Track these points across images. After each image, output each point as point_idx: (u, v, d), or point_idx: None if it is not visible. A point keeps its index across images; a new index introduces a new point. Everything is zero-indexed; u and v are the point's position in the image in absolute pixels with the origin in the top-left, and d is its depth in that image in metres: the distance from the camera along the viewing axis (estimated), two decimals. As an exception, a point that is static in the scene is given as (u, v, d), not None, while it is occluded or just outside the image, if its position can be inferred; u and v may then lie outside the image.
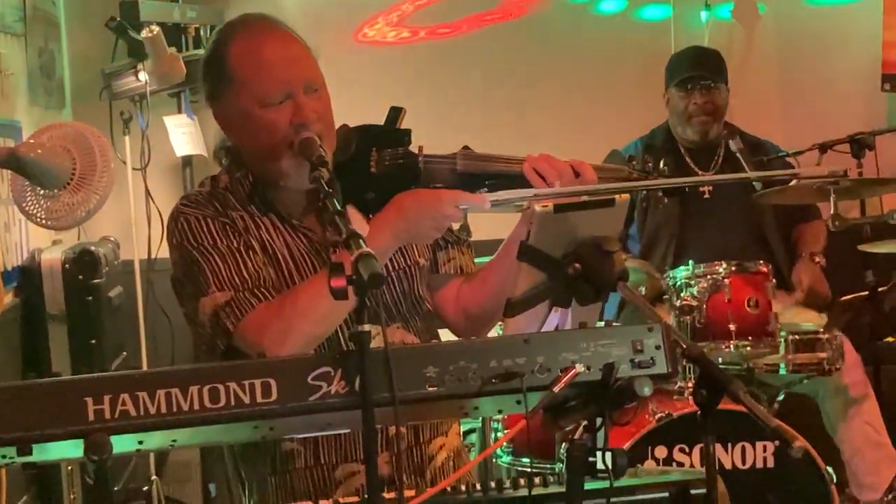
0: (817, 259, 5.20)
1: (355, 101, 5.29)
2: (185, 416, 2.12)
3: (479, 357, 2.19)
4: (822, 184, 4.57)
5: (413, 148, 2.87)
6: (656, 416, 4.30)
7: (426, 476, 2.83)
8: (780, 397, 4.76)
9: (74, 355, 4.57)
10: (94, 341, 4.61)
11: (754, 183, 5.09)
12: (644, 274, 4.95)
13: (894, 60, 5.87)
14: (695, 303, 4.51)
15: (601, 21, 6.22)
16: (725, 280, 4.55)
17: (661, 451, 4.30)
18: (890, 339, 5.37)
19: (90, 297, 4.61)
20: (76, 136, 2.35)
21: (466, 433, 4.99)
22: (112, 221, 5.43)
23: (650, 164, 2.85)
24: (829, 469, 4.28)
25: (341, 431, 2.64)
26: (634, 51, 6.16)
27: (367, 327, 2.09)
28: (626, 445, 4.14)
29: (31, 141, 2.37)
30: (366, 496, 2.17)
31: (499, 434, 4.73)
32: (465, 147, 2.91)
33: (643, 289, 4.80)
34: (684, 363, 2.63)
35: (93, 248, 4.67)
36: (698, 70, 5.28)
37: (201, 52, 5.54)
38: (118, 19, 5.24)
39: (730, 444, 4.35)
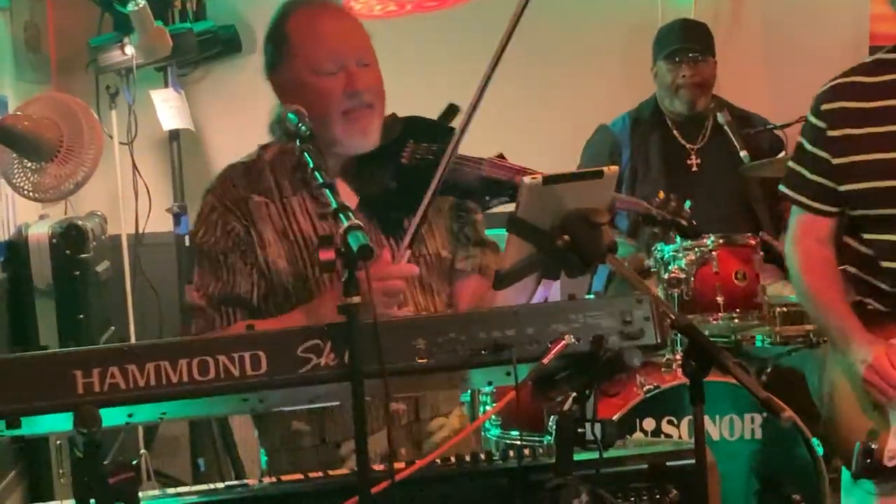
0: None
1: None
2: (174, 389, 2.12)
3: (468, 329, 2.20)
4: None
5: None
6: (644, 389, 4.30)
7: (423, 451, 2.84)
8: (769, 369, 4.77)
9: (62, 330, 4.56)
10: (81, 316, 4.60)
11: (741, 155, 5.10)
12: (633, 248, 4.96)
13: (882, 33, 5.86)
14: (682, 275, 4.51)
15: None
16: (713, 253, 4.55)
17: (649, 424, 4.31)
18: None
19: (77, 272, 4.60)
20: (64, 109, 2.34)
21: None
22: (99, 196, 5.42)
23: (674, 205, 2.91)
24: (816, 441, 4.29)
25: (331, 404, 2.64)
26: (621, 24, 6.14)
27: (356, 299, 2.09)
28: (615, 417, 4.14)
29: (19, 113, 2.36)
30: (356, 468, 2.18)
31: (488, 407, 4.73)
32: (500, 155, 2.93)
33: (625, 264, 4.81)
34: (673, 335, 2.63)
35: (80, 222, 4.65)
36: (686, 42, 5.27)
37: (187, 25, 5.53)
38: (104, -7, 5.23)
39: (718, 416, 4.36)
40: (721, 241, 4.58)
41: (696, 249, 4.55)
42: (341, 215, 2.15)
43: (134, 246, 5.50)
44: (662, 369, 4.43)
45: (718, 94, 5.48)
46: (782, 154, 4.96)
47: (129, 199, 5.45)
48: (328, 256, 2.09)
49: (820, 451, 4.26)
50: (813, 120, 3.31)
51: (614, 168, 2.52)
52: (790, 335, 4.65)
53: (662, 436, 4.28)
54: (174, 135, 5.60)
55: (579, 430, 2.26)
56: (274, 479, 2.41)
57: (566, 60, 6.20)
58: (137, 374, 2.10)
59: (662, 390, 4.30)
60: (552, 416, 4.22)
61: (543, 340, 2.21)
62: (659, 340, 2.26)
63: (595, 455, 2.29)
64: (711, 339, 4.38)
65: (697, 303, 4.51)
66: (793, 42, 6.10)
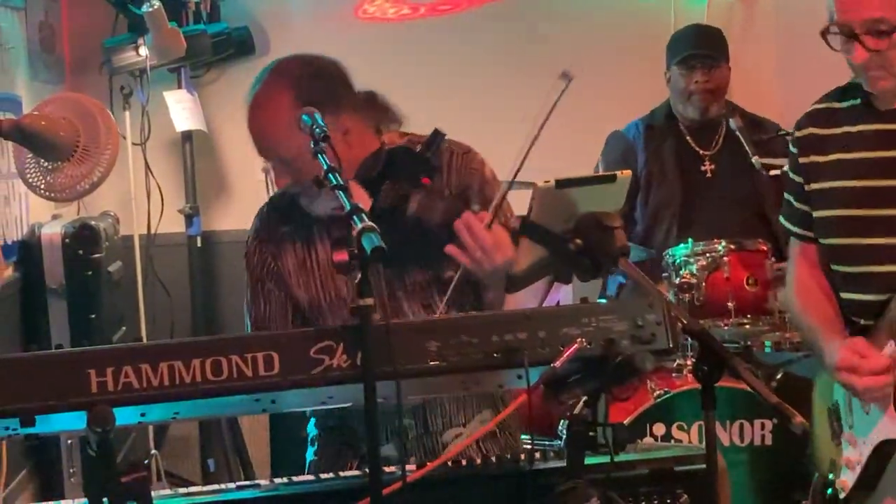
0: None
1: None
2: (187, 389, 2.13)
3: (480, 331, 2.20)
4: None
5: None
6: (655, 394, 4.31)
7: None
8: (778, 376, 4.76)
9: (74, 330, 4.57)
10: (93, 316, 4.61)
11: (753, 161, 5.10)
12: (644, 254, 4.96)
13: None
14: (694, 280, 4.51)
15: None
16: (724, 258, 4.55)
17: (659, 429, 4.32)
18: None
19: (90, 272, 4.61)
20: (81, 109, 2.35)
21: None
22: (112, 196, 5.43)
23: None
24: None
25: (343, 405, 2.65)
26: (634, 30, 6.14)
27: (369, 301, 2.09)
28: (625, 422, 4.15)
29: (35, 113, 2.37)
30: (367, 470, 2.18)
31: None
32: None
33: None
34: (684, 340, 2.64)
35: (93, 222, 4.67)
36: (700, 48, 5.26)
37: (201, 27, 5.54)
38: (119, -6, 5.24)
39: (728, 422, 4.36)
40: (732, 246, 4.58)
41: (708, 255, 4.56)
42: (355, 217, 2.16)
43: (146, 246, 5.51)
44: (673, 374, 4.44)
45: (730, 99, 5.47)
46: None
47: (142, 199, 5.47)
48: (342, 258, 2.10)
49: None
50: (791, 147, 3.28)
51: (627, 172, 2.52)
52: (800, 342, 4.64)
53: (672, 441, 4.28)
54: (187, 136, 5.61)
55: (590, 433, 2.26)
56: (285, 480, 2.42)
57: (579, 66, 6.18)
58: (151, 373, 2.11)
59: (673, 395, 4.31)
60: (563, 420, 4.23)
61: (555, 344, 2.22)
62: (671, 345, 2.26)
63: (605, 459, 2.30)
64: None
65: (708, 308, 4.51)
66: (805, 48, 6.08)
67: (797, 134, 3.23)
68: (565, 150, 5.74)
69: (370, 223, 2.12)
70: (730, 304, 4.50)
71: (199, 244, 5.57)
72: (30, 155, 2.40)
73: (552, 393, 2.33)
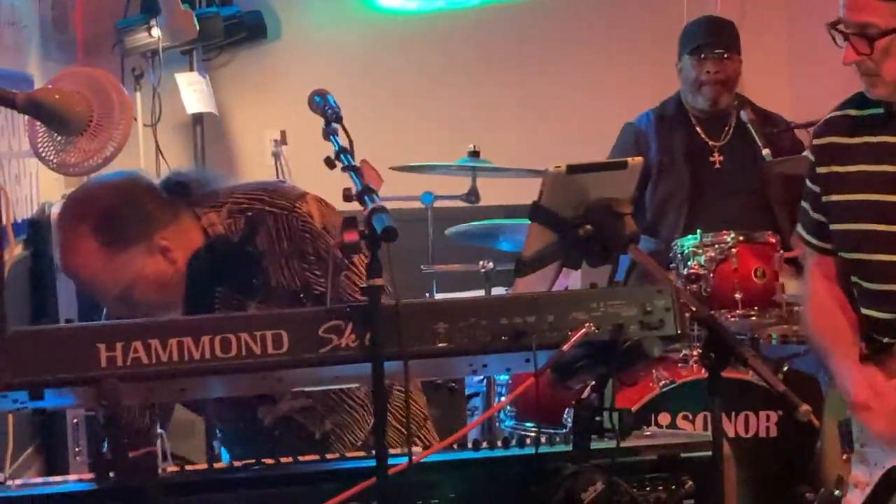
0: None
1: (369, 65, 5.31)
2: (195, 365, 2.14)
3: (489, 314, 2.21)
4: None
5: None
6: (660, 383, 4.31)
7: None
8: (784, 368, 4.76)
9: (82, 308, 4.57)
10: (101, 295, 4.62)
11: (763, 154, 5.09)
12: (652, 244, 4.97)
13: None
14: (702, 271, 4.51)
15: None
16: (733, 249, 4.55)
17: (664, 418, 4.32)
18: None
19: (99, 252, 4.62)
20: (94, 84, 2.35)
21: (469, 397, 5.01)
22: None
23: None
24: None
25: (349, 385, 2.67)
26: (647, 20, 6.14)
27: (379, 281, 2.10)
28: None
29: (49, 87, 2.38)
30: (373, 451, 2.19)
31: (502, 398, 4.75)
32: None
33: None
34: (689, 330, 2.63)
35: (102, 202, 4.67)
36: (712, 38, 5.26)
37: (214, 9, 5.55)
38: (132, -26, 5.25)
39: (733, 413, 4.37)
40: (741, 238, 4.58)
41: (716, 246, 4.55)
42: (366, 197, 2.16)
43: (155, 227, 5.51)
44: (679, 364, 4.44)
45: (741, 92, 5.47)
46: (805, 153, 4.94)
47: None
48: (352, 238, 2.10)
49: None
50: (808, 154, 3.21)
51: (638, 159, 2.52)
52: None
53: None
54: (198, 118, 5.62)
55: (597, 418, 2.27)
56: (290, 460, 2.43)
57: (592, 58, 6.20)
58: (160, 349, 2.11)
59: (678, 385, 4.31)
60: (567, 409, 4.22)
61: (563, 328, 2.22)
62: (679, 331, 2.26)
63: (611, 444, 2.30)
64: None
65: (716, 299, 4.51)
66: (816, 43, 6.08)
67: (816, 142, 3.15)
68: (578, 140, 5.77)
69: (381, 204, 2.13)
70: (737, 295, 4.49)
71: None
72: (42, 128, 2.40)
73: (559, 378, 2.33)
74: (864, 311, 3.06)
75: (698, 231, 4.65)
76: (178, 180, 2.85)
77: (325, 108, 2.58)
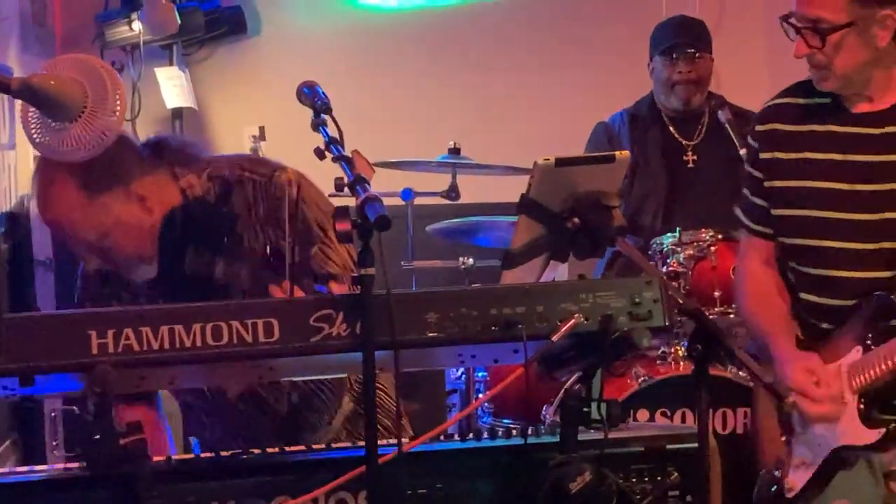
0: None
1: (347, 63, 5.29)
2: (186, 353, 2.14)
3: (479, 305, 2.22)
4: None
5: None
6: (639, 380, 4.33)
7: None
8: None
9: (60, 302, 4.58)
10: (80, 289, 4.60)
11: (742, 153, 5.11)
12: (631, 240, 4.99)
13: (884, 37, 5.87)
14: (681, 269, 4.53)
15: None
16: (711, 247, 4.57)
17: (643, 415, 4.33)
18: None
19: (78, 245, 4.60)
20: (90, 70, 2.35)
21: (449, 393, 5.03)
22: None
23: None
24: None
25: (339, 376, 2.67)
26: (626, 20, 6.16)
27: (371, 270, 2.11)
28: (610, 407, 4.16)
29: (45, 72, 2.37)
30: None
31: (479, 395, 4.76)
32: None
33: None
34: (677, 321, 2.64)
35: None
36: (683, 38, 5.29)
37: (194, 4, 5.54)
38: (113, -33, 5.24)
39: (710, 410, 4.37)
40: (720, 236, 4.60)
41: (695, 244, 4.58)
42: (358, 187, 2.17)
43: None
44: (657, 361, 4.46)
45: (719, 91, 5.50)
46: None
47: (131, 175, 5.46)
48: (345, 227, 2.11)
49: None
50: (750, 140, 3.23)
51: (625, 153, 2.54)
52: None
53: (656, 428, 4.30)
54: (177, 113, 5.62)
55: (585, 409, 2.28)
56: (276, 450, 2.43)
57: (571, 57, 6.23)
58: (151, 336, 2.12)
59: (657, 381, 4.33)
60: (545, 406, 4.23)
61: (553, 319, 2.23)
62: (667, 322, 2.28)
63: (597, 436, 2.31)
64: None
65: (694, 297, 4.52)
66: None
67: (759, 128, 3.18)
68: (553, 139, 5.78)
69: (374, 193, 2.13)
70: (716, 293, 4.51)
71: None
72: (36, 114, 2.40)
73: (546, 369, 2.34)
74: (803, 296, 3.10)
75: (677, 229, 4.67)
76: (157, 140, 2.88)
77: (314, 98, 2.59)
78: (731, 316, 4.55)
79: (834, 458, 3.00)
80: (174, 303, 2.33)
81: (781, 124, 3.13)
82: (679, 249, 4.58)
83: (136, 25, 5.24)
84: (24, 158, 4.55)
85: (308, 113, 2.51)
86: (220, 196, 2.86)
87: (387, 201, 5.26)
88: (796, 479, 3.05)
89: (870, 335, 2.97)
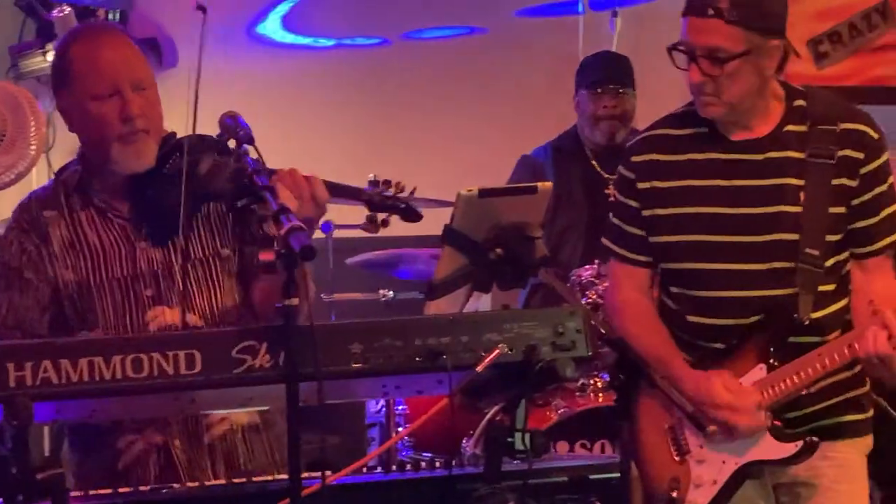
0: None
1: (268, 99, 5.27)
2: (106, 385, 2.11)
3: (404, 335, 2.22)
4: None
5: None
6: (559, 411, 4.34)
7: (203, 440, 2.81)
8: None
9: None
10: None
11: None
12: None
13: (796, 72, 5.99)
14: (600, 301, 4.55)
15: (512, 22, 6.27)
16: (630, 280, 4.60)
17: (562, 447, 4.34)
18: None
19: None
20: (9, 99, 2.32)
21: (369, 426, 5.00)
22: (15, 203, 5.34)
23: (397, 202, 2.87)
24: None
25: (262, 408, 2.65)
26: (544, 55, 6.21)
27: (294, 301, 2.10)
28: (529, 439, 4.17)
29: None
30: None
31: (400, 429, 4.75)
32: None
33: None
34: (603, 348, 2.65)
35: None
36: (608, 74, 5.35)
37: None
38: (28, -3, 5.18)
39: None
40: (638, 268, 4.63)
41: (614, 276, 4.60)
42: (282, 217, 2.16)
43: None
44: (577, 393, 4.47)
45: (637, 125, 5.56)
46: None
47: (46, 207, 5.38)
48: (268, 258, 2.10)
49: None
50: (623, 171, 3.28)
51: (548, 184, 2.56)
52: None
53: (576, 460, 4.31)
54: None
55: (509, 439, 2.28)
56: (197, 484, 2.40)
57: (492, 92, 6.26)
58: (70, 368, 2.09)
59: (576, 413, 4.34)
60: (467, 436, 4.22)
61: (477, 349, 2.23)
62: (590, 352, 2.29)
63: (521, 466, 2.32)
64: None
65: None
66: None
67: (635, 159, 3.22)
68: (478, 172, 5.79)
69: (298, 223, 2.12)
70: (634, 325, 4.54)
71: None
72: (-45, 143, 2.37)
73: (471, 400, 2.34)
74: (691, 318, 3.13)
75: (596, 262, 4.70)
76: None
77: (236, 129, 2.59)
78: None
79: (739, 474, 3.04)
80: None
81: (659, 154, 3.19)
82: (597, 281, 4.61)
83: (51, 56, 5.17)
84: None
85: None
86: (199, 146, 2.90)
87: (306, 234, 5.24)
88: (697, 498, 3.07)
89: (772, 351, 3.02)
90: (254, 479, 2.48)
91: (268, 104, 5.86)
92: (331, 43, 6.18)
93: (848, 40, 6.29)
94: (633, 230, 3.20)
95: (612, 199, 5.27)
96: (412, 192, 2.91)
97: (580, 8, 6.25)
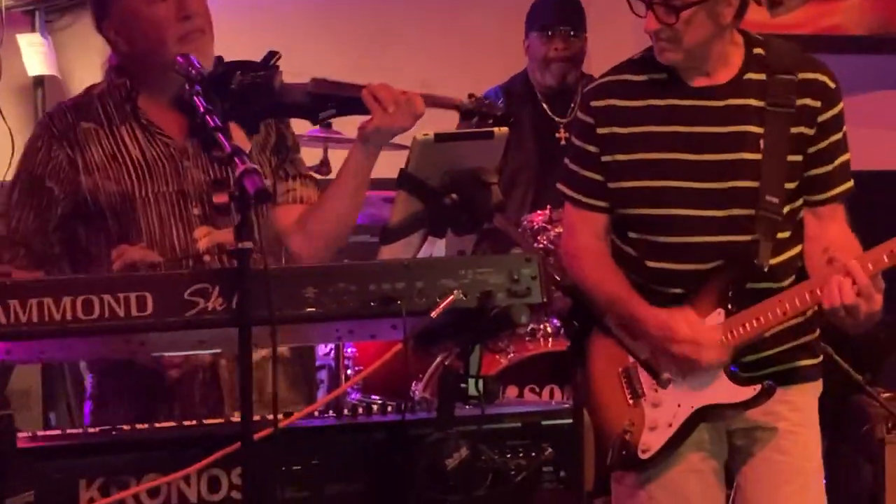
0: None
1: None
2: (56, 326, 2.08)
3: (358, 280, 2.20)
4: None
5: None
6: (508, 356, 4.35)
7: None
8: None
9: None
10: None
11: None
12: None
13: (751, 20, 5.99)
14: (551, 247, 4.56)
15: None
16: (581, 225, 4.60)
17: (511, 391, 4.36)
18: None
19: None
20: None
21: (318, 368, 4.99)
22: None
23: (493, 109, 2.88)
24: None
25: (213, 351, 2.63)
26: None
27: (248, 244, 2.07)
28: (479, 384, 4.18)
29: None
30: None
31: (350, 371, 4.74)
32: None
33: None
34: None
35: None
36: (559, 17, 5.33)
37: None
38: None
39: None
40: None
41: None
42: (236, 159, 2.13)
43: (-3, 193, 5.35)
44: (527, 338, 4.48)
45: (589, 69, 5.54)
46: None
47: (-7, 144, 5.31)
48: (222, 200, 2.08)
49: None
50: (582, 116, 3.26)
51: (504, 129, 2.54)
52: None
53: (524, 404, 4.33)
54: (39, 81, 5.47)
55: (462, 385, 2.28)
56: (147, 426, 2.38)
57: (443, 33, 6.22)
58: (20, 309, 2.06)
59: (526, 358, 4.36)
60: (416, 380, 4.22)
61: (432, 295, 2.22)
62: (545, 299, 2.28)
63: (474, 412, 2.31)
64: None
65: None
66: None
67: (595, 104, 3.21)
68: (426, 116, 5.75)
69: (252, 165, 2.10)
70: (585, 270, 4.55)
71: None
72: None
73: (424, 345, 2.34)
74: (650, 264, 3.13)
75: (548, 206, 4.70)
76: None
77: (188, 68, 2.55)
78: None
79: (695, 417, 3.07)
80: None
81: (618, 100, 3.18)
82: (549, 227, 4.61)
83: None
84: None
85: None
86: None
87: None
88: (651, 441, 3.09)
89: (731, 297, 3.04)
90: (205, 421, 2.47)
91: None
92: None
93: (802, -12, 6.30)
94: (592, 175, 3.19)
95: (562, 142, 5.33)
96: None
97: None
